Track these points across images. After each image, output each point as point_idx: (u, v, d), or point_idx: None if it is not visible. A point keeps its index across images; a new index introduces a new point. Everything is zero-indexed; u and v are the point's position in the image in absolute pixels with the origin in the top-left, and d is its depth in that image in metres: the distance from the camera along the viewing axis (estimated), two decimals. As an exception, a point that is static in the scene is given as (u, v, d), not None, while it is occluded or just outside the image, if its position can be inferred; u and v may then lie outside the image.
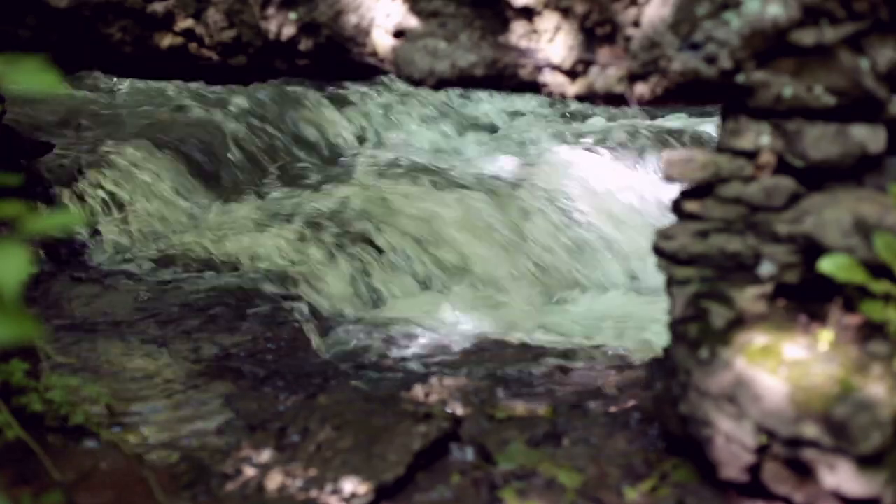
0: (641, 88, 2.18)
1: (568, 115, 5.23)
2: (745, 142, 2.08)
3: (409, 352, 3.02)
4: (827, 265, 1.93)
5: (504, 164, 4.46)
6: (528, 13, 2.26)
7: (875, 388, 1.84)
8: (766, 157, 2.06)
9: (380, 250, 3.66)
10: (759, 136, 2.07)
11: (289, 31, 2.55)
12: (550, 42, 2.26)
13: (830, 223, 1.97)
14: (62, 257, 3.40)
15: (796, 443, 1.87)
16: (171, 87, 4.67)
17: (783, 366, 1.90)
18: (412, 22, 2.36)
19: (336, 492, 2.08)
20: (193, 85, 4.49)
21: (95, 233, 3.58)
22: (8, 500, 2.02)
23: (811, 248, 1.99)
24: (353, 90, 5.07)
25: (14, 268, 1.22)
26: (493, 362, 2.87)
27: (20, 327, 1.21)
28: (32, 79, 1.32)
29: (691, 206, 2.13)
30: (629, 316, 3.40)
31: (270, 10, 2.56)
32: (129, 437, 2.32)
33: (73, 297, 3.15)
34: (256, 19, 2.58)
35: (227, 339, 2.89)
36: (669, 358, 2.14)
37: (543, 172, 4.35)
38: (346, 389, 2.61)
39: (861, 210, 1.97)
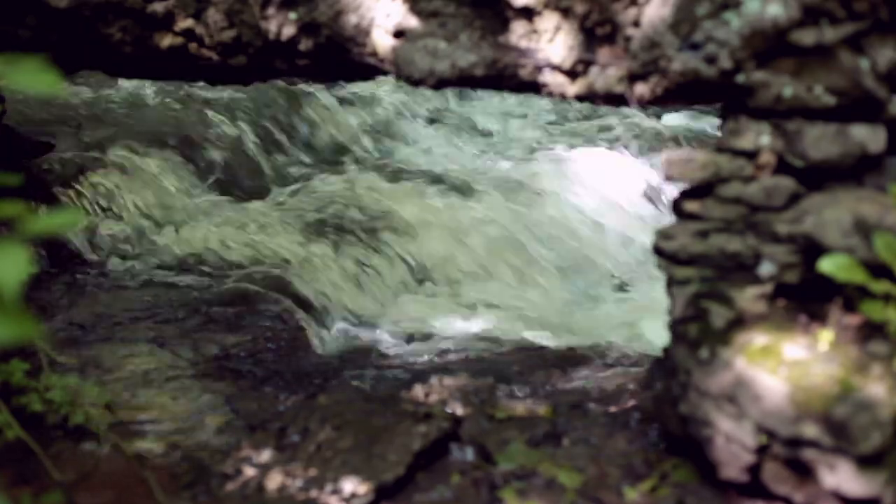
0: (641, 88, 2.18)
1: (568, 115, 5.23)
2: (745, 142, 2.08)
3: (409, 352, 3.02)
4: (827, 265, 1.93)
5: (504, 165, 4.47)
6: (528, 13, 2.26)
7: (875, 388, 1.84)
8: (766, 157, 2.06)
9: (380, 250, 3.66)
10: (759, 136, 2.07)
11: (289, 31, 2.55)
12: (550, 42, 2.26)
13: (830, 223, 1.97)
14: (62, 257, 3.40)
15: (796, 443, 1.87)
16: (171, 87, 4.67)
17: (783, 366, 1.90)
18: (412, 22, 2.36)
19: (336, 492, 2.08)
20: (193, 85, 4.49)
21: (95, 233, 3.58)
22: (8, 500, 2.02)
23: (811, 248, 1.99)
24: (354, 90, 5.07)
25: (14, 268, 1.22)
26: (493, 362, 2.87)
27: (20, 327, 1.21)
28: (32, 79, 1.32)
29: (691, 206, 2.13)
30: (629, 316, 3.40)
31: (270, 10, 2.56)
32: (129, 437, 2.32)
33: (73, 297, 3.15)
34: (256, 19, 2.58)
35: (227, 339, 2.89)
36: (669, 358, 2.14)
37: (543, 172, 4.35)
38: (346, 389, 2.61)
39: (861, 210, 1.97)
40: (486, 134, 5.14)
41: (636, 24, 2.14)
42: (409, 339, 3.13)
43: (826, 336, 1.94)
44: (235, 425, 2.39)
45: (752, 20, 2.02)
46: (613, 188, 4.31)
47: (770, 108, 2.05)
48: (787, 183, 2.05)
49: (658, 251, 2.16)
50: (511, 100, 5.30)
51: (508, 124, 5.21)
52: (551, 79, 2.30)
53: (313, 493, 2.08)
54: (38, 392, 2.29)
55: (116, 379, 2.60)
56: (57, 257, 3.39)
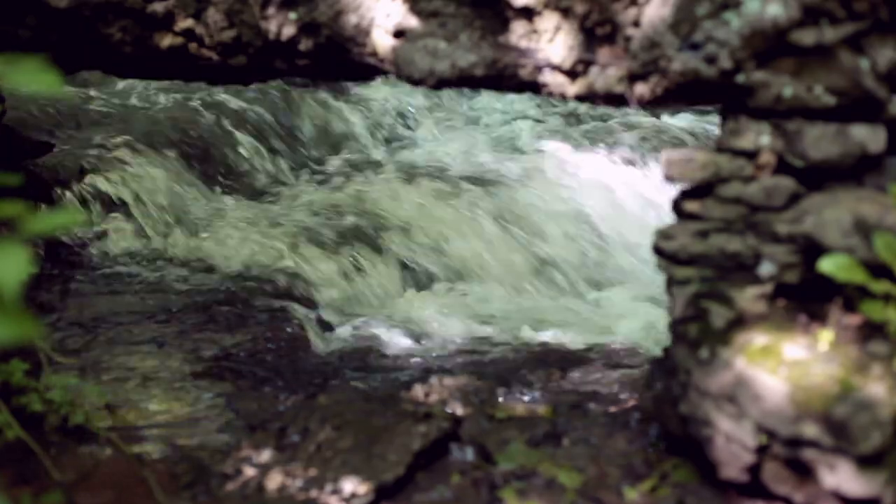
0: (641, 88, 2.18)
1: (568, 115, 5.23)
2: (745, 142, 2.08)
3: (409, 352, 3.02)
4: (827, 265, 1.93)
5: (504, 164, 4.46)
6: (528, 13, 2.26)
7: (875, 387, 1.84)
8: (766, 157, 2.06)
9: (380, 250, 3.66)
10: (759, 136, 2.07)
11: (289, 31, 2.55)
12: (550, 42, 2.26)
13: (830, 223, 1.97)
14: (62, 257, 3.40)
15: (796, 443, 1.87)
16: (171, 87, 4.67)
17: (783, 366, 1.90)
18: (412, 22, 2.36)
19: (336, 492, 2.08)
20: (194, 85, 4.48)
21: (95, 232, 3.58)
22: (8, 500, 2.02)
23: (811, 248, 1.99)
24: (354, 90, 5.07)
25: (14, 268, 1.22)
26: (493, 362, 2.87)
27: (20, 327, 1.21)
28: (32, 79, 1.32)
29: (691, 206, 2.13)
30: (629, 316, 3.40)
31: (270, 10, 2.56)
32: (129, 437, 2.32)
33: (73, 297, 3.15)
34: (256, 19, 2.58)
35: (227, 339, 2.89)
36: (669, 358, 2.14)
37: (543, 172, 4.35)
38: (346, 389, 2.61)
39: (861, 210, 1.97)
40: (487, 133, 5.14)
41: (636, 24, 2.14)
42: (409, 338, 3.13)
43: (826, 336, 1.94)
44: (235, 425, 2.39)
45: (752, 20, 2.02)
46: (614, 188, 4.31)
47: (770, 108, 2.05)
48: (787, 183, 2.05)
49: (658, 251, 2.16)
50: (511, 99, 5.30)
51: (508, 123, 5.21)
52: (551, 79, 2.30)
53: (313, 493, 2.08)
54: (38, 392, 2.29)
55: (116, 379, 2.60)
56: (57, 257, 3.39)
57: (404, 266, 3.64)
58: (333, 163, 4.50)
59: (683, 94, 2.16)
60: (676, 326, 2.12)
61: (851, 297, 1.97)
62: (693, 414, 2.02)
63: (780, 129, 2.05)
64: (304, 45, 2.56)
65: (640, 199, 4.27)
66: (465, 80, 2.38)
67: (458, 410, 2.39)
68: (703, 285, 2.09)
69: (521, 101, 5.31)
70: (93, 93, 4.62)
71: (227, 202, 3.99)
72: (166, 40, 2.74)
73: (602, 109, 5.00)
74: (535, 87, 2.36)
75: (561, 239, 3.92)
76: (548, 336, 3.16)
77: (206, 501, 2.10)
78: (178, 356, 2.76)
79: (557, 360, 2.85)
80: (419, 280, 3.62)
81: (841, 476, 1.83)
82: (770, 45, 2.03)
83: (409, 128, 5.02)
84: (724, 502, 2.02)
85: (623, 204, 4.24)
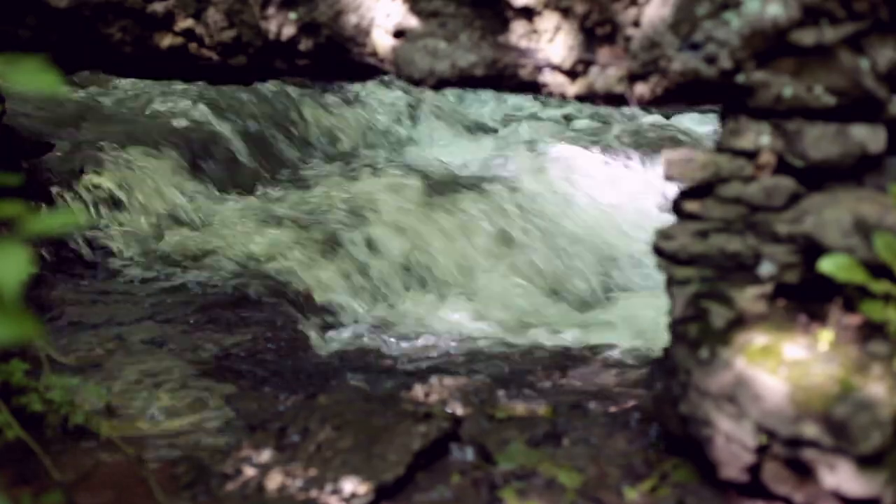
0: (641, 88, 2.18)
1: (568, 115, 5.23)
2: (745, 142, 2.08)
3: (409, 352, 3.02)
4: (827, 265, 1.93)
5: (504, 164, 4.47)
6: (528, 13, 2.26)
7: (875, 388, 1.84)
8: (766, 157, 2.06)
9: (380, 250, 3.66)
10: (759, 136, 2.07)
11: (289, 31, 2.55)
12: (550, 42, 2.26)
13: (830, 223, 1.97)
14: (62, 257, 3.40)
15: (796, 443, 1.87)
16: (171, 87, 4.67)
17: (783, 366, 1.90)
18: (412, 22, 2.36)
19: (336, 492, 2.08)
20: (194, 85, 4.49)
21: (95, 232, 3.58)
22: (8, 500, 2.02)
23: (811, 248, 1.99)
24: (353, 90, 5.07)
25: (14, 268, 1.22)
26: (493, 362, 2.87)
27: (20, 327, 1.21)
28: (32, 79, 1.32)
29: (691, 206, 2.13)
30: (629, 316, 3.40)
31: (270, 10, 2.56)
32: (129, 437, 2.32)
33: (73, 297, 3.15)
34: (256, 19, 2.58)
35: (227, 339, 2.89)
36: (669, 358, 2.14)
37: (543, 172, 4.35)
38: (346, 389, 2.61)
39: (861, 210, 1.97)
40: (487, 133, 5.14)
41: (636, 24, 2.14)
42: (409, 339, 3.13)
43: (826, 336, 1.94)
44: (235, 425, 2.39)
45: (752, 20, 2.02)
46: (613, 187, 4.31)
47: (770, 108, 2.05)
48: (787, 183, 2.05)
49: (658, 251, 2.16)
50: (511, 99, 5.30)
51: (508, 123, 5.21)
52: (551, 79, 2.30)
53: (313, 493, 2.08)
54: (38, 392, 2.29)
55: (116, 379, 2.60)
56: (57, 257, 3.39)
57: (404, 266, 3.64)
58: (334, 163, 4.50)
59: (683, 94, 2.16)
60: (676, 326, 2.12)
61: (851, 297, 1.97)
62: (693, 414, 2.02)
63: (780, 129, 2.05)
64: (304, 45, 2.56)
65: (640, 199, 4.27)
66: (465, 80, 2.38)
67: (458, 410, 2.40)
68: (703, 285, 2.09)
69: (522, 102, 5.31)
70: (93, 93, 4.62)
71: (227, 202, 3.99)
72: (166, 40, 2.74)
73: (603, 109, 5.01)
74: (535, 87, 2.36)
75: (561, 239, 3.92)
76: (548, 336, 3.17)
77: (206, 501, 2.10)
78: (178, 356, 2.76)
79: (557, 360, 2.85)
80: (419, 280, 3.62)
81: (841, 476, 1.84)
82: (770, 45, 2.03)
83: (409, 128, 5.02)
84: (724, 502, 2.02)
85: (623, 204, 4.24)
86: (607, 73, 2.22)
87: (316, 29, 2.52)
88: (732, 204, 2.09)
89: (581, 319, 3.40)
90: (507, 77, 2.35)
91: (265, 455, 2.21)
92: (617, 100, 2.25)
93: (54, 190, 3.64)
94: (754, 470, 1.96)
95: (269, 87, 4.68)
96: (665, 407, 2.14)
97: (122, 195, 3.77)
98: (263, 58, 2.67)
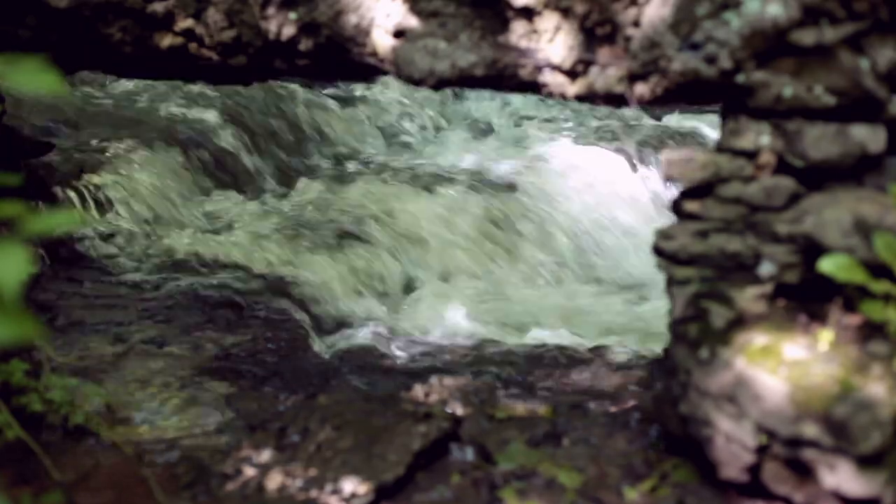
0: (641, 88, 2.18)
1: (568, 115, 5.23)
2: (745, 142, 2.08)
3: (409, 352, 3.02)
4: (827, 265, 1.93)
5: (504, 164, 4.46)
6: (528, 13, 2.26)
7: (875, 387, 1.84)
8: (766, 157, 2.06)
9: (380, 250, 3.66)
10: (759, 136, 2.07)
11: (289, 31, 2.55)
12: (550, 42, 2.26)
13: (830, 223, 1.97)
14: (62, 257, 3.40)
15: (796, 443, 1.87)
16: (171, 87, 4.67)
17: (783, 366, 1.90)
18: (412, 22, 2.36)
19: (336, 492, 2.08)
20: (194, 85, 4.49)
21: (95, 232, 3.58)
22: (8, 500, 2.02)
23: (811, 248, 1.99)
24: (353, 90, 5.07)
25: (14, 268, 1.22)
26: (493, 362, 2.87)
27: (20, 327, 1.21)
28: (32, 79, 1.32)
29: (691, 206, 2.13)
30: (629, 316, 3.40)
31: (270, 10, 2.55)
32: (129, 437, 2.32)
33: (73, 297, 3.15)
34: (256, 19, 2.58)
35: (227, 339, 2.89)
36: (669, 358, 2.14)
37: (543, 172, 4.35)
38: (346, 389, 2.61)
39: (861, 210, 1.97)
40: (487, 133, 5.14)
41: (636, 24, 2.14)
42: (409, 338, 3.13)
43: (826, 336, 1.94)
44: (235, 425, 2.39)
45: (752, 20, 2.02)
46: (613, 187, 4.30)
47: (770, 108, 2.05)
48: (787, 183, 2.05)
49: (658, 251, 2.16)
50: (510, 99, 5.29)
51: (508, 123, 5.21)
52: (551, 79, 2.30)
53: (313, 493, 2.08)
54: (38, 392, 2.29)
55: (116, 379, 2.60)
56: (57, 257, 3.38)
57: (404, 266, 3.64)
58: (334, 164, 4.50)
59: (683, 94, 2.16)
60: (676, 326, 2.12)
61: (851, 297, 1.97)
62: (693, 414, 2.02)
63: (780, 129, 2.05)
64: (304, 45, 2.56)
65: (641, 199, 4.27)
66: (465, 80, 2.38)
67: (458, 410, 2.40)
68: (703, 285, 2.09)
69: (523, 101, 5.31)
70: (93, 92, 4.62)
71: (226, 202, 3.99)
72: (166, 40, 2.74)
73: (604, 109, 5.01)
74: (535, 87, 2.36)
75: (562, 239, 3.92)
76: (548, 336, 3.16)
77: (206, 501, 2.10)
78: (178, 356, 2.76)
79: (557, 360, 2.85)
80: (419, 280, 3.62)
81: (841, 476, 1.83)
82: (770, 45, 2.03)
83: (410, 129, 5.02)
84: (724, 502, 2.02)
85: (623, 203, 4.24)
86: (607, 73, 2.22)
87: (316, 29, 2.52)
88: (732, 204, 2.09)
89: (581, 319, 3.40)
90: (507, 77, 2.35)
91: (265, 455, 2.21)
92: (617, 100, 2.25)
93: (54, 190, 3.64)
94: (754, 470, 1.96)
95: (268, 87, 4.68)
96: (665, 407, 2.14)
97: (121, 195, 3.77)
98: (263, 58, 2.67)
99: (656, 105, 2.27)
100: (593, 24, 2.20)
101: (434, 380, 2.52)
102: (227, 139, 4.34)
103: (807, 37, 2.01)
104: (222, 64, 2.73)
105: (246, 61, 2.69)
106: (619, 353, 2.92)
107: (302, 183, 4.19)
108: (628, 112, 4.94)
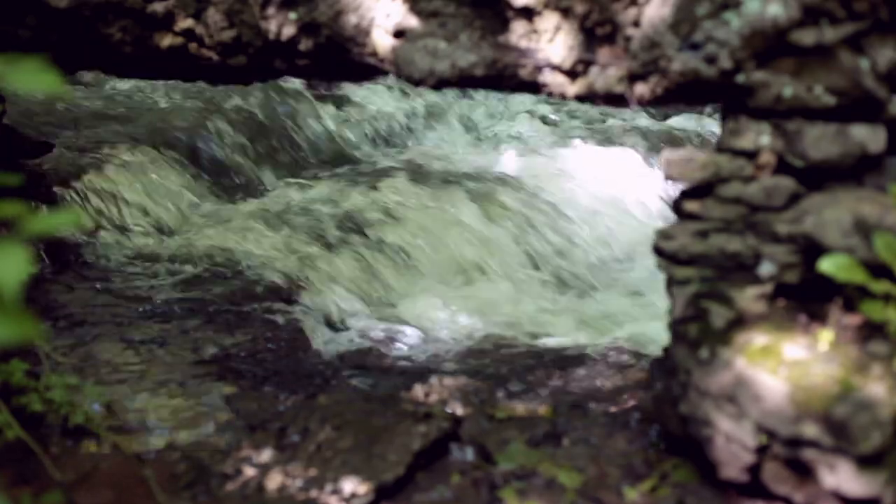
0: (641, 88, 2.18)
1: (568, 114, 5.23)
2: (745, 142, 2.08)
3: (409, 352, 3.02)
4: (827, 265, 1.93)
5: (504, 164, 4.47)
6: (528, 13, 2.26)
7: (875, 387, 1.84)
8: (766, 157, 2.06)
9: (380, 250, 3.66)
10: (759, 136, 2.07)
11: (289, 31, 2.55)
12: (550, 42, 2.26)
13: (830, 223, 1.97)
14: (62, 257, 3.40)
15: (796, 443, 1.87)
16: (171, 87, 4.67)
17: (783, 366, 1.90)
18: (412, 22, 2.36)
19: (336, 492, 2.08)
20: (194, 84, 4.49)
21: (95, 232, 3.58)
22: (8, 500, 2.02)
23: (811, 248, 1.99)
24: (353, 90, 5.07)
25: (14, 268, 1.22)
26: (493, 362, 2.87)
27: (20, 327, 1.21)
28: (32, 79, 1.32)
29: (691, 206, 2.13)
30: (629, 316, 3.40)
31: (270, 10, 2.56)
32: (129, 437, 2.32)
33: (73, 297, 3.15)
34: (256, 19, 2.58)
35: (227, 339, 2.89)
36: (669, 358, 2.14)
37: (544, 171, 4.35)
38: (346, 389, 2.61)
39: (861, 210, 1.97)
40: (487, 132, 5.14)
41: (636, 24, 2.14)
42: (409, 338, 3.13)
43: (826, 336, 1.94)
44: (235, 425, 2.39)
45: (752, 20, 2.02)
46: (613, 187, 4.31)
47: (770, 108, 2.05)
48: (787, 183, 2.05)
49: (658, 251, 2.16)
50: (510, 99, 5.30)
51: (508, 123, 5.21)
52: (551, 79, 2.30)
53: (313, 493, 2.08)
54: (38, 392, 2.29)
55: (116, 379, 2.60)
56: (57, 257, 3.39)
57: (404, 266, 3.64)
58: (333, 163, 4.50)
59: (683, 94, 2.16)
60: (676, 326, 2.12)
61: (851, 297, 1.97)
62: (693, 414, 2.02)
63: (780, 129, 2.05)
64: (304, 45, 2.56)
65: (642, 199, 4.27)
66: (465, 80, 2.38)
67: (458, 410, 2.39)
68: (703, 285, 2.09)
69: (524, 101, 5.31)
70: (93, 93, 4.62)
71: (226, 202, 3.99)
72: (166, 40, 2.74)
73: (605, 109, 5.01)
74: (535, 87, 2.36)
75: (562, 239, 3.92)
76: (548, 336, 3.16)
77: (206, 501, 2.10)
78: (178, 356, 2.76)
79: (557, 360, 2.85)
80: (419, 280, 3.62)
81: (841, 476, 1.83)
82: (770, 45, 2.03)
83: (410, 128, 5.02)
84: (724, 502, 2.02)
85: (623, 203, 4.24)
86: (607, 73, 2.22)
87: (316, 29, 2.52)
88: (732, 204, 2.09)
89: (582, 319, 3.40)
90: (507, 77, 2.35)
91: (265, 455, 2.21)
92: (617, 100, 2.25)
93: (54, 190, 3.64)
94: (754, 470, 1.96)
95: (268, 86, 4.68)
96: (665, 407, 2.14)
97: (122, 195, 3.77)
98: (263, 58, 2.67)
99: (656, 105, 2.27)
100: (593, 24, 2.20)
101: (434, 380, 2.52)
102: (227, 139, 4.34)
103: (807, 37, 2.01)
104: (222, 64, 2.73)
105: (246, 61, 2.69)
106: (619, 353, 2.92)
107: (302, 183, 4.19)
108: (633, 113, 4.94)
